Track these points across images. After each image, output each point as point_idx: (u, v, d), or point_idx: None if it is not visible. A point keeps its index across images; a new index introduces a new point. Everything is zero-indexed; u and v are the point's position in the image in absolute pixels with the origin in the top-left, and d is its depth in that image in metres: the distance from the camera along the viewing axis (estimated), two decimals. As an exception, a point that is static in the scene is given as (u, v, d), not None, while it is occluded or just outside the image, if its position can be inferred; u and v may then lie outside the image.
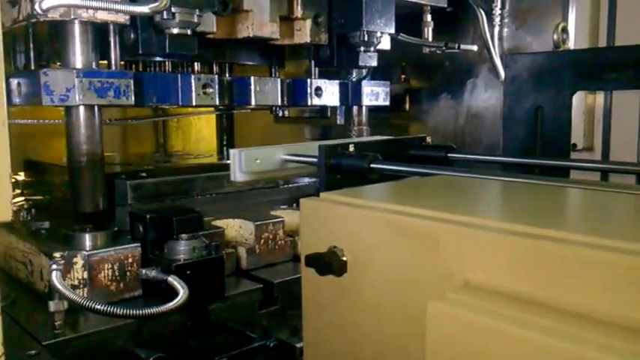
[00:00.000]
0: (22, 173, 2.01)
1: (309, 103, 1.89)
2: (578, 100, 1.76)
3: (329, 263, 0.94)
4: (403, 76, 2.54)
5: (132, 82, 1.38)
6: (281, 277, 1.53)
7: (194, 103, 1.58)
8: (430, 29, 2.17)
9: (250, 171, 1.41)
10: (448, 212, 0.85)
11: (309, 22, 1.81)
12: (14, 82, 1.39)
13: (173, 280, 1.27)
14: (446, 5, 2.17)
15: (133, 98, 1.40)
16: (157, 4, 1.26)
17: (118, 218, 1.54)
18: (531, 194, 1.05)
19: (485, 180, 1.14)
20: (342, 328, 0.98)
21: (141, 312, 1.20)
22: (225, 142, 2.45)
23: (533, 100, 1.54)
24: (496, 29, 2.20)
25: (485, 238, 0.78)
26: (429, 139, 1.53)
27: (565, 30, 1.76)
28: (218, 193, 1.76)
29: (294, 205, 1.79)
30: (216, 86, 1.61)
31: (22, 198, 1.83)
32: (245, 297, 1.46)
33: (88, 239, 1.35)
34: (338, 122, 2.16)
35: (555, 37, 1.73)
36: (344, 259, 0.95)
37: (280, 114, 2.20)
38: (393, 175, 1.33)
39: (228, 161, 1.89)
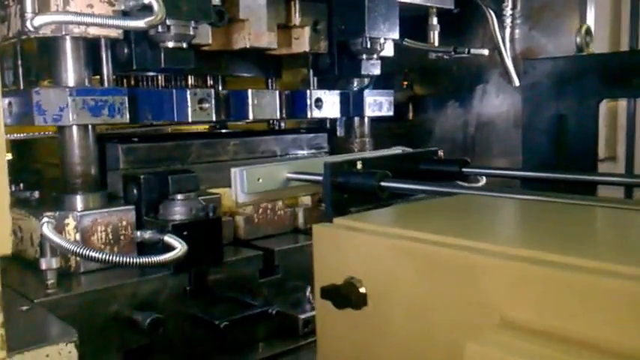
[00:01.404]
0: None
1: (308, 116, 1.95)
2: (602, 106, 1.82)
3: (347, 296, 0.97)
4: (405, 83, 2.61)
5: (126, 99, 1.46)
6: (281, 245, 1.62)
7: (190, 120, 1.65)
8: (436, 33, 2.24)
9: (253, 191, 1.47)
10: (484, 241, 0.86)
11: (307, 30, 1.88)
12: (5, 101, 1.46)
13: (169, 238, 1.34)
14: (453, 7, 2.24)
15: (127, 116, 1.47)
16: (152, 17, 1.33)
17: (110, 184, 1.61)
18: (566, 216, 1.06)
19: (509, 199, 1.16)
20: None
21: (137, 260, 1.27)
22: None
23: (555, 109, 1.57)
24: (507, 31, 2.26)
25: (527, 271, 0.78)
26: (441, 153, 1.57)
27: (589, 32, 1.81)
28: (213, 161, 1.81)
29: None
30: (213, 101, 1.68)
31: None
32: (245, 265, 1.54)
33: (79, 201, 1.43)
34: (338, 134, 2.20)
35: (578, 39, 1.78)
36: (363, 291, 0.97)
37: (277, 127, 2.30)
38: (403, 193, 1.37)
39: (223, 130, 1.99)
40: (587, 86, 1.55)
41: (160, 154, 1.70)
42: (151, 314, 1.29)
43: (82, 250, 1.25)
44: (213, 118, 1.71)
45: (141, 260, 1.27)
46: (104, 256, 1.25)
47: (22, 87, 1.63)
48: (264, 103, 1.82)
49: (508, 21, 2.28)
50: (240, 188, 1.52)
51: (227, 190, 1.63)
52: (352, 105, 2.08)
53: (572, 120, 1.55)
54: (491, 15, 2.26)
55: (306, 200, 1.78)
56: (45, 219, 1.29)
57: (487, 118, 2.39)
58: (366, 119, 2.16)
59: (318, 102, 1.96)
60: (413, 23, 2.16)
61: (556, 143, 1.57)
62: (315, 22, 1.90)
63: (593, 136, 1.55)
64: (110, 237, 1.42)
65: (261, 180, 1.53)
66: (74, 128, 1.42)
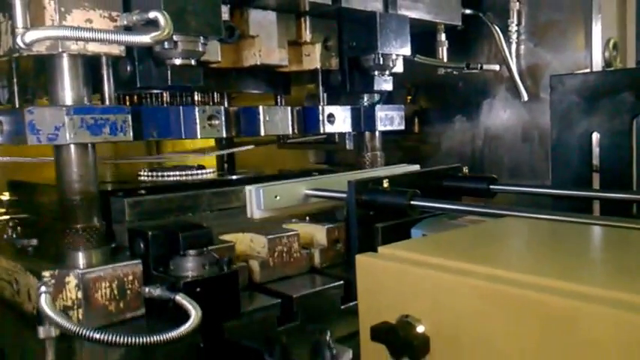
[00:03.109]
0: (6, 193, 1.90)
1: (321, 131, 1.75)
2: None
3: (406, 339, 0.73)
4: (409, 98, 2.41)
5: (129, 117, 1.23)
6: (300, 290, 1.39)
7: (199, 137, 1.44)
8: (445, 49, 2.05)
9: (270, 208, 1.32)
10: (581, 283, 0.66)
11: (318, 47, 1.69)
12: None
13: (182, 299, 1.12)
14: (460, 23, 2.04)
15: (131, 134, 1.24)
16: (158, 32, 1.10)
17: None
18: (632, 242, 0.89)
19: (557, 221, 0.98)
20: None
21: (147, 339, 1.05)
22: (225, 163, 2.32)
23: (585, 126, 1.39)
24: (513, 47, 2.07)
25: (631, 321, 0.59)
26: (465, 170, 1.44)
27: (616, 46, 1.59)
28: (223, 209, 1.60)
29: (307, 218, 1.65)
30: (223, 117, 1.47)
31: (8, 217, 1.72)
32: (262, 313, 1.32)
33: (81, 257, 1.20)
34: (347, 147, 2.01)
35: (607, 54, 1.57)
36: (421, 330, 0.75)
37: (285, 140, 2.09)
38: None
39: (233, 177, 1.78)
40: (620, 102, 1.35)
41: (168, 205, 1.49)
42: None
43: (83, 332, 1.04)
44: (224, 135, 1.50)
45: (151, 339, 1.04)
46: (110, 337, 1.03)
47: (17, 105, 1.40)
48: (276, 120, 1.61)
49: (514, 37, 2.07)
50: (257, 205, 1.37)
51: (238, 236, 1.46)
52: (364, 119, 1.88)
53: (605, 137, 1.36)
54: (498, 31, 2.05)
55: (322, 240, 1.56)
56: (43, 287, 1.09)
57: (494, 133, 2.18)
58: (377, 133, 1.97)
59: (331, 117, 1.76)
60: (420, 39, 1.95)
61: (587, 160, 1.37)
62: (326, 39, 1.71)
63: (628, 153, 1.36)
64: (115, 293, 1.19)
65: (278, 197, 1.38)
66: (72, 147, 1.18)
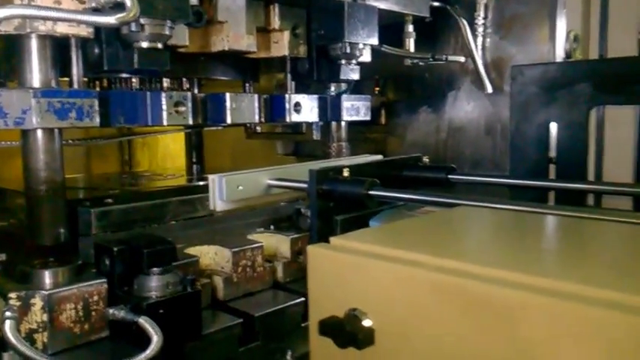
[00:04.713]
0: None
1: (287, 120, 1.76)
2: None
3: (351, 333, 0.75)
4: (377, 89, 2.44)
5: (96, 101, 1.23)
6: (261, 309, 1.39)
7: (165, 123, 1.44)
8: (412, 40, 2.08)
9: (232, 199, 1.28)
10: (523, 273, 0.67)
11: (287, 34, 1.70)
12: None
13: (145, 323, 1.12)
14: (428, 15, 2.07)
15: (97, 119, 1.25)
16: (124, 14, 1.11)
17: (82, 249, 1.38)
18: (585, 232, 0.89)
19: (517, 212, 1.00)
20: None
21: None
22: (194, 159, 2.32)
23: (544, 116, 1.42)
24: (479, 40, 2.11)
25: (578, 313, 0.60)
26: (425, 159, 1.44)
27: (577, 38, 1.63)
28: (190, 218, 1.59)
29: (271, 227, 1.66)
30: (189, 104, 1.47)
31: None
32: (224, 334, 1.31)
33: (47, 276, 1.19)
34: (314, 138, 2.04)
35: (567, 45, 1.60)
36: (368, 325, 0.76)
37: (253, 130, 2.10)
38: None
39: (201, 183, 1.77)
40: (578, 93, 1.38)
41: (134, 215, 1.47)
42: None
43: None
44: (190, 122, 1.50)
45: None
46: None
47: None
48: (242, 107, 1.61)
49: (480, 30, 2.11)
50: (219, 195, 1.35)
51: (203, 248, 1.45)
52: (330, 109, 1.89)
53: (562, 127, 1.39)
54: (464, 24, 2.09)
55: (285, 252, 1.56)
56: (8, 313, 1.06)
57: (459, 125, 2.22)
58: (343, 124, 1.99)
59: (297, 106, 1.77)
60: (387, 31, 1.98)
61: (545, 151, 1.40)
62: (295, 27, 1.72)
63: (584, 144, 1.39)
64: (81, 314, 1.17)
65: (241, 187, 1.36)
66: (38, 132, 1.19)
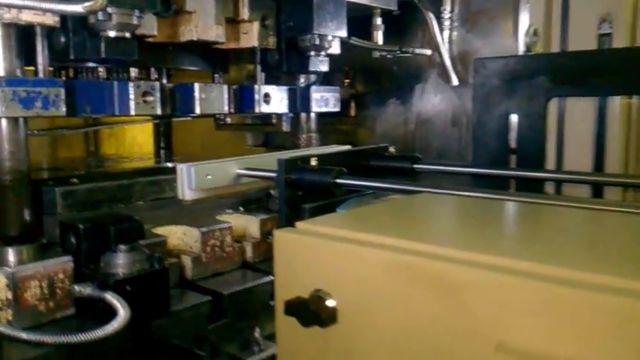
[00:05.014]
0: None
1: (257, 111, 1.76)
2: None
3: (315, 312, 0.78)
4: (347, 81, 2.46)
5: (63, 90, 1.23)
6: (230, 287, 1.41)
7: (133, 113, 1.43)
8: (381, 33, 2.11)
9: (201, 188, 1.30)
10: (469, 251, 0.70)
11: (256, 25, 1.70)
12: None
13: (111, 298, 1.12)
14: (396, 8, 2.10)
15: (64, 109, 1.24)
16: (91, 2, 1.12)
17: (47, 230, 1.36)
18: (528, 216, 0.94)
19: (470, 198, 1.03)
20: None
21: (74, 338, 1.04)
22: (162, 149, 2.31)
23: (504, 108, 1.46)
24: (446, 33, 2.15)
25: (519, 286, 0.63)
26: (392, 149, 1.46)
27: (537, 32, 1.67)
28: (158, 199, 1.59)
29: (240, 208, 1.67)
30: (158, 94, 1.46)
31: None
32: (192, 311, 1.33)
33: (12, 254, 1.19)
34: (284, 129, 2.05)
35: (527, 39, 1.64)
36: (331, 304, 0.80)
37: (223, 121, 2.10)
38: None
39: (169, 164, 1.78)
40: (537, 85, 1.43)
41: (101, 195, 1.45)
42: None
43: (9, 332, 1.04)
44: (159, 112, 1.49)
45: (79, 338, 1.04)
46: (37, 337, 1.03)
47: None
48: (211, 98, 1.61)
49: (446, 24, 2.16)
50: (187, 184, 1.36)
51: (171, 228, 1.45)
52: (299, 100, 1.90)
53: (522, 118, 1.44)
54: (431, 18, 2.12)
55: (255, 233, 1.57)
56: None
57: (426, 117, 2.26)
58: (312, 115, 2.00)
59: (267, 97, 1.78)
60: (356, 24, 2.00)
61: (505, 141, 1.45)
62: (264, 18, 1.72)
63: (542, 134, 1.44)
64: (46, 292, 1.16)
65: (210, 176, 1.37)
66: (3, 122, 1.18)
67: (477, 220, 0.95)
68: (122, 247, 1.19)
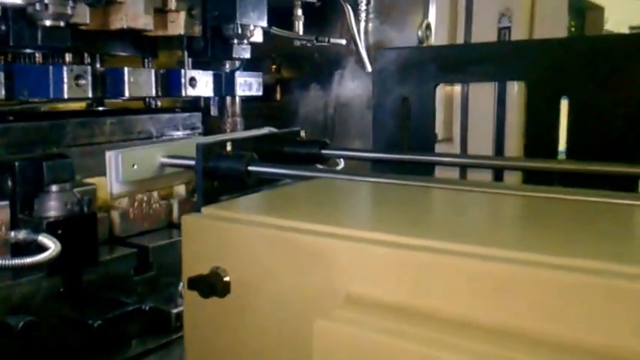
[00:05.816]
0: None
1: (183, 94, 1.88)
2: (440, 91, 1.88)
3: (212, 285, 0.91)
4: (273, 67, 2.61)
5: (2, 74, 1.34)
6: (156, 242, 1.49)
7: (66, 96, 1.52)
8: (301, 23, 2.26)
9: (128, 180, 1.34)
10: (325, 224, 0.86)
11: (183, 14, 1.81)
12: None
13: (44, 238, 1.16)
14: (315, 0, 2.26)
15: (3, 92, 1.35)
16: (29, -6, 1.23)
17: None
18: (407, 197, 1.07)
19: (362, 182, 1.17)
20: (227, 351, 0.95)
21: (6, 262, 1.10)
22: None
23: (399, 92, 1.62)
24: (362, 24, 2.33)
25: (365, 251, 0.79)
26: (302, 134, 1.50)
27: (429, 27, 1.86)
28: (89, 143, 1.63)
29: None
30: (89, 77, 1.57)
31: None
32: (119, 263, 1.40)
33: None
34: (212, 113, 2.16)
35: (420, 33, 1.83)
36: (227, 279, 0.92)
37: (153, 105, 2.21)
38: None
39: (100, 108, 1.84)
40: (426, 72, 1.60)
41: (34, 135, 1.50)
42: (23, 317, 1.15)
43: None
44: (90, 95, 1.59)
45: (6, 263, 1.10)
46: None
47: None
48: (140, 81, 1.73)
49: (363, 15, 2.35)
50: (115, 177, 1.39)
51: (102, 180, 1.45)
52: (224, 85, 2.04)
53: (414, 102, 1.60)
54: (349, 9, 2.30)
55: (181, 191, 1.64)
56: None
57: (344, 101, 2.44)
58: (237, 99, 2.13)
59: (192, 81, 1.90)
60: (281, 14, 2.18)
61: (401, 123, 1.61)
62: (191, 8, 1.83)
63: (432, 117, 1.61)
64: None
65: (136, 166, 1.40)
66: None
67: (360, 201, 1.11)
68: (54, 188, 1.23)
